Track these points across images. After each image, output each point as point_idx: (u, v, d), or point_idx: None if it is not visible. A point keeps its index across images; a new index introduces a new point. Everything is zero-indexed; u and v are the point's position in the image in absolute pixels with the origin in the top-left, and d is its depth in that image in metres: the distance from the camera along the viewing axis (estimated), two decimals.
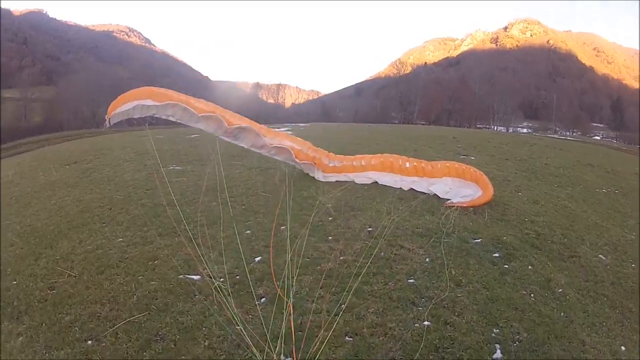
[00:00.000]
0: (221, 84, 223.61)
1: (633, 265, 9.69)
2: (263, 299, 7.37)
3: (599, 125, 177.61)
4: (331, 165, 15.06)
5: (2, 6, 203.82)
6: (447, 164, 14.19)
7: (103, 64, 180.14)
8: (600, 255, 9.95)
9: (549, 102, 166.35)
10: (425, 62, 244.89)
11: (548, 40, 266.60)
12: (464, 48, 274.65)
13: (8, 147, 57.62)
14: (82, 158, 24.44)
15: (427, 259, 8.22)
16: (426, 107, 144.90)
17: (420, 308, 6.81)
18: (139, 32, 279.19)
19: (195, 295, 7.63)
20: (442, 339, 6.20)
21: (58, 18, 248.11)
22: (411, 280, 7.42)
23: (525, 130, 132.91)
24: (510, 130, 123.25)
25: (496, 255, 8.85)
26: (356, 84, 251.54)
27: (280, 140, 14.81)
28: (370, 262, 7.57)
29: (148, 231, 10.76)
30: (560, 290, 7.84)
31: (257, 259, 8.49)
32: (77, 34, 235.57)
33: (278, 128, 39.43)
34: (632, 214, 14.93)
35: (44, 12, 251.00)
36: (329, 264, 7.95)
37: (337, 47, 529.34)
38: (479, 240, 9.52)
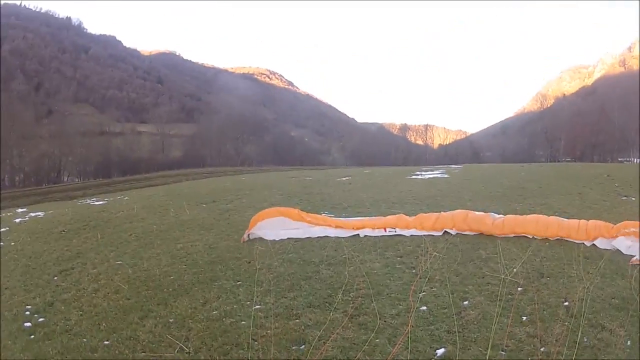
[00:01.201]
0: (369, 126, 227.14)
1: None
2: None
3: None
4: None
5: (128, 45, 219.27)
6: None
7: (246, 104, 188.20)
8: None
9: None
10: (564, 94, 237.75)
11: None
12: (597, 75, 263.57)
13: (140, 179, 59.98)
14: (222, 197, 24.29)
15: (629, 342, 7.10)
16: (571, 142, 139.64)
17: None
18: (281, 75, 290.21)
19: None
20: None
21: (193, 60, 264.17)
22: None
23: None
24: None
25: None
26: (501, 121, 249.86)
27: None
28: (577, 355, 6.52)
29: (295, 299, 8.81)
30: None
31: (440, 351, 6.81)
32: (216, 76, 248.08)
33: (432, 171, 39.29)
34: None
35: (177, 53, 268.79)
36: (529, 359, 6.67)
37: (480, 84, 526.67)
38: None
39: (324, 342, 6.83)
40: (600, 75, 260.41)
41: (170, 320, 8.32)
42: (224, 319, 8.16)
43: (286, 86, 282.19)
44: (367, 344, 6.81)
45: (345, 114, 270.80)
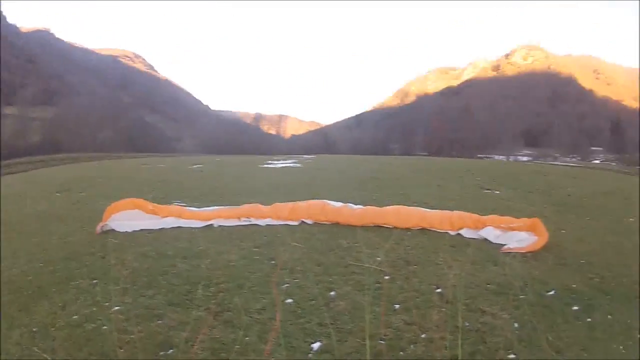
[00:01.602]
0: (222, 114, 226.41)
1: None
2: None
3: (598, 149, 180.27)
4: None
5: (10, 21, 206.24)
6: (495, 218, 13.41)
7: (106, 87, 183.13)
8: None
9: (549, 128, 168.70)
10: (427, 92, 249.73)
11: (549, 66, 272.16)
12: (465, 77, 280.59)
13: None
14: (76, 185, 23.29)
15: (516, 324, 7.24)
16: (429, 137, 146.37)
17: None
18: (144, 58, 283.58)
19: None
20: None
21: (65, 39, 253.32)
22: (513, 356, 6.40)
23: (525, 158, 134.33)
24: (511, 159, 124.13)
25: (576, 308, 8.06)
26: (357, 115, 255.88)
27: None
28: (462, 339, 6.41)
29: (154, 297, 7.93)
30: None
31: (315, 345, 6.43)
32: (83, 56, 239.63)
33: (284, 160, 39.67)
34: None
35: (51, 32, 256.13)
36: (412, 347, 6.51)
37: (338, 78, 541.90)
38: (552, 293, 8.67)
39: (192, 345, 6.30)
40: (470, 77, 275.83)
41: (34, 329, 7.11)
42: (85, 325, 7.11)
43: (147, 70, 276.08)
44: (237, 343, 6.36)
45: (201, 101, 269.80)
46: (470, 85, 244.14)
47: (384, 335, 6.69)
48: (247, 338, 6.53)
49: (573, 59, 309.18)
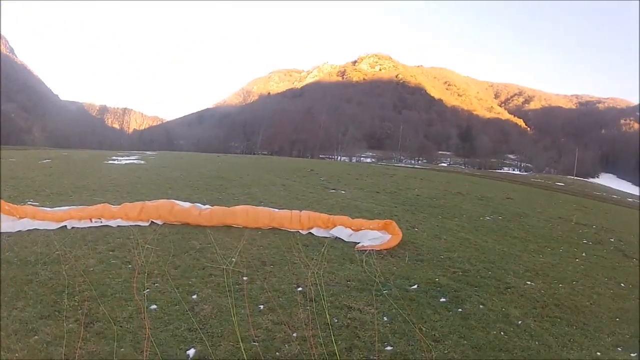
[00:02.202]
0: (70, 105, 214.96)
1: (560, 285, 10.43)
2: None
3: (446, 152, 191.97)
4: None
5: None
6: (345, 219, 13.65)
7: None
8: (528, 282, 10.28)
9: (393, 132, 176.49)
10: (269, 92, 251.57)
11: (397, 75, 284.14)
12: (309, 80, 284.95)
13: None
14: None
15: (385, 318, 7.31)
16: (270, 137, 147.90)
17: None
18: (7, 41, 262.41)
19: None
20: None
21: None
22: (390, 348, 6.42)
23: (369, 160, 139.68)
24: (354, 160, 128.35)
25: (443, 300, 8.36)
26: (199, 111, 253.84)
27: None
28: (335, 335, 6.49)
29: (25, 309, 7.06)
30: (520, 322, 7.84)
31: (191, 352, 6.08)
32: None
33: (127, 157, 38.72)
34: (528, 237, 15.97)
35: None
36: (287, 346, 6.32)
37: (181, 72, 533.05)
38: (416, 287, 8.92)
39: None
40: (313, 81, 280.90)
41: None
42: None
43: (7, 53, 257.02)
44: (114, 355, 5.89)
45: (51, 90, 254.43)
46: (314, 89, 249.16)
47: (256, 337, 6.49)
48: (122, 350, 6.06)
49: (424, 70, 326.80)
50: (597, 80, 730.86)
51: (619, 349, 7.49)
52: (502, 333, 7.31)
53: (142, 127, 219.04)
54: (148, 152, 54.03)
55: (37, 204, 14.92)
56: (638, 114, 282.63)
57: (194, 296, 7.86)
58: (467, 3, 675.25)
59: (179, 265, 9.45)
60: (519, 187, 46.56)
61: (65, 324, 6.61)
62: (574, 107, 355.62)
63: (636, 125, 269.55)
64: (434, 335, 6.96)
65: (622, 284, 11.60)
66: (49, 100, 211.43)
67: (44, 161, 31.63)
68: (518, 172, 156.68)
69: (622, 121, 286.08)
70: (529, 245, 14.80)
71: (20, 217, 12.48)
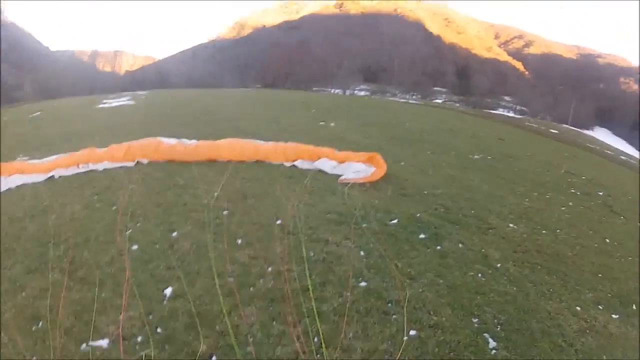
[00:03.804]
0: (61, 55, 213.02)
1: (544, 231, 10.25)
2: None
3: (441, 89, 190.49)
4: None
5: None
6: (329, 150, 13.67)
7: None
8: (511, 225, 10.21)
9: (388, 66, 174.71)
10: (264, 25, 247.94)
11: (395, 9, 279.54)
12: (305, 12, 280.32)
13: None
14: None
15: (362, 253, 7.29)
16: (264, 70, 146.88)
17: (395, 316, 5.89)
18: None
19: None
20: (439, 345, 5.57)
21: None
22: (364, 284, 6.44)
23: (363, 93, 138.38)
24: (348, 93, 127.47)
25: (422, 236, 8.32)
26: (192, 47, 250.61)
27: None
28: (310, 270, 6.48)
29: (14, 266, 7.20)
30: (499, 264, 7.81)
31: (168, 291, 6.19)
32: None
33: (118, 98, 38.65)
34: (516, 179, 15.81)
35: None
36: (261, 281, 6.40)
37: (174, 9, 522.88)
38: (396, 221, 8.87)
39: (56, 313, 5.72)
40: (310, 12, 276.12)
41: None
42: None
43: None
44: (96, 301, 5.94)
45: (40, 42, 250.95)
46: (311, 21, 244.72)
47: (232, 273, 6.51)
48: (103, 295, 6.14)
49: (423, 6, 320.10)
50: (598, 35, 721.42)
51: (600, 307, 7.43)
52: (479, 275, 7.29)
53: (134, 68, 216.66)
54: (139, 92, 53.49)
55: (26, 158, 15.05)
56: (639, 75, 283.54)
57: (174, 234, 7.89)
58: None
59: (161, 203, 9.49)
60: (512, 129, 46.48)
61: (50, 275, 6.69)
62: (574, 57, 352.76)
63: (635, 86, 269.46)
64: (410, 272, 6.95)
65: (607, 240, 11.46)
66: (39, 53, 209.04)
67: (34, 114, 31.65)
68: (513, 115, 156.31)
69: (622, 79, 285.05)
70: (515, 187, 14.68)
71: (10, 174, 12.48)
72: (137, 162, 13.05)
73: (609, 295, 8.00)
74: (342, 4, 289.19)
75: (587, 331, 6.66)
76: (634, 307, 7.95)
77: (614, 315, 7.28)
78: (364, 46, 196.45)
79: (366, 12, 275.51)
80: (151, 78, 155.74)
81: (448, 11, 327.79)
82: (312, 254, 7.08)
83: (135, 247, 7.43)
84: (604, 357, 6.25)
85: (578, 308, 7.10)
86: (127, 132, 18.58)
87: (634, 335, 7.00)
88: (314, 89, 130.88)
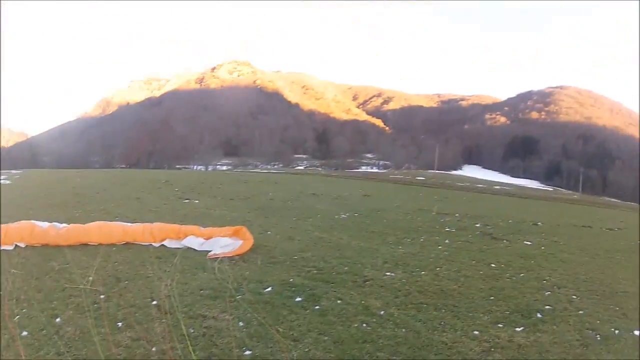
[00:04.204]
0: None
1: (423, 272, 10.82)
2: None
3: (302, 156, 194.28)
4: None
5: None
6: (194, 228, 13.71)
7: None
8: (387, 273, 10.59)
9: (249, 138, 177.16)
10: (128, 102, 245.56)
11: (255, 81, 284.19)
12: (168, 88, 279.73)
13: None
14: None
15: (241, 323, 7.30)
16: (128, 149, 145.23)
17: None
18: None
19: None
20: None
21: None
22: (248, 352, 6.40)
23: (225, 168, 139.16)
24: (210, 169, 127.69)
25: (299, 299, 8.44)
26: (60, 125, 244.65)
27: None
28: (192, 346, 6.38)
29: None
30: (382, 312, 8.00)
31: None
32: None
33: None
34: (386, 230, 16.55)
35: None
36: None
37: (47, 84, 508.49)
38: (270, 289, 8.98)
39: None
40: (172, 89, 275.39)
41: None
42: None
43: None
44: None
45: None
46: (173, 97, 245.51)
47: (118, 355, 6.34)
48: None
49: (282, 75, 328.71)
50: (461, 80, 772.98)
51: (500, 325, 7.77)
52: (364, 325, 7.39)
53: (10, 144, 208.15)
54: (13, 171, 51.12)
55: None
56: (506, 108, 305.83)
57: (58, 319, 7.57)
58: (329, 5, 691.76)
59: (41, 288, 9.08)
60: (376, 184, 48.01)
61: None
62: (435, 105, 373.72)
63: (502, 119, 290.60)
64: (293, 334, 6.97)
65: (493, 264, 12.13)
66: None
67: None
68: (377, 170, 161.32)
69: (487, 116, 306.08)
70: (387, 238, 15.21)
71: None
72: (15, 245, 12.41)
73: (507, 312, 8.44)
74: (202, 78, 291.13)
75: (492, 349, 6.91)
76: (539, 315, 8.45)
77: (517, 329, 7.68)
78: (223, 120, 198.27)
79: (226, 85, 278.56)
80: (23, 155, 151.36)
81: (306, 78, 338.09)
82: (192, 330, 7.01)
83: (25, 333, 7.07)
84: None
85: (476, 332, 7.39)
86: (4, 214, 17.80)
87: (545, 339, 7.40)
88: (177, 166, 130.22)
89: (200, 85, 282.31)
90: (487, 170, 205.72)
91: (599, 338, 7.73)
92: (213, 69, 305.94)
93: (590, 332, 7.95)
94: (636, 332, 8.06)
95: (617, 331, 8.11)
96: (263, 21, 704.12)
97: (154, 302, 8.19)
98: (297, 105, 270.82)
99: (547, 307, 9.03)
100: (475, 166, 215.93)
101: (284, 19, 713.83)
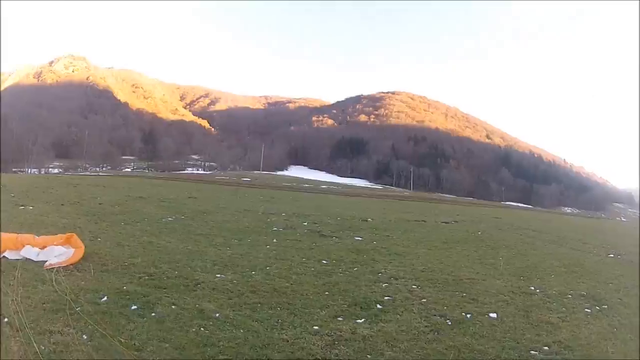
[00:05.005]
0: None
1: (253, 272, 11.05)
2: None
3: (130, 157, 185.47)
4: None
5: None
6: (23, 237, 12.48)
7: None
8: (218, 275, 10.72)
9: (79, 139, 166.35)
10: None
11: (88, 77, 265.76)
12: (9, 82, 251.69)
13: None
14: None
15: (85, 336, 6.90)
16: None
17: None
18: None
19: None
20: None
21: None
22: None
23: (56, 171, 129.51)
24: (43, 172, 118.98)
25: (134, 307, 8.18)
26: None
27: None
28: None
29: None
30: (218, 314, 8.03)
31: None
32: None
33: None
34: (213, 232, 16.99)
35: None
36: None
37: None
38: (106, 299, 8.58)
39: None
40: (13, 84, 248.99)
41: None
42: None
43: None
44: None
45: None
46: (11, 93, 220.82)
47: None
48: None
49: (113, 72, 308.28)
50: (289, 83, 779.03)
51: (340, 318, 8.00)
52: (202, 329, 7.39)
53: None
54: None
55: None
56: (334, 111, 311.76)
57: None
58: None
59: None
60: (202, 186, 47.39)
61: None
62: (262, 107, 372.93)
63: (330, 121, 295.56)
64: (135, 344, 6.80)
65: (324, 261, 12.48)
66: None
67: None
68: (202, 172, 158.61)
69: (314, 118, 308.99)
70: (214, 239, 15.26)
71: None
72: None
73: (345, 306, 8.69)
74: (40, 72, 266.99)
75: (336, 342, 7.11)
76: (379, 306, 8.81)
77: (358, 321, 7.96)
78: (55, 119, 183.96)
79: (61, 81, 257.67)
80: None
81: (136, 76, 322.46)
82: (43, 348, 6.54)
83: None
84: (369, 357, 6.76)
85: (316, 327, 7.57)
86: None
87: (391, 328, 7.75)
88: (13, 169, 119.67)
89: (38, 80, 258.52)
90: (313, 170, 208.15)
91: (449, 323, 8.24)
92: (51, 62, 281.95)
93: (439, 318, 8.46)
94: (492, 315, 8.68)
95: (469, 315, 8.70)
96: (101, 14, 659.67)
97: (6, 320, 7.51)
98: (125, 104, 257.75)
99: (387, 297, 9.50)
100: (301, 167, 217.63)
101: (120, 12, 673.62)
